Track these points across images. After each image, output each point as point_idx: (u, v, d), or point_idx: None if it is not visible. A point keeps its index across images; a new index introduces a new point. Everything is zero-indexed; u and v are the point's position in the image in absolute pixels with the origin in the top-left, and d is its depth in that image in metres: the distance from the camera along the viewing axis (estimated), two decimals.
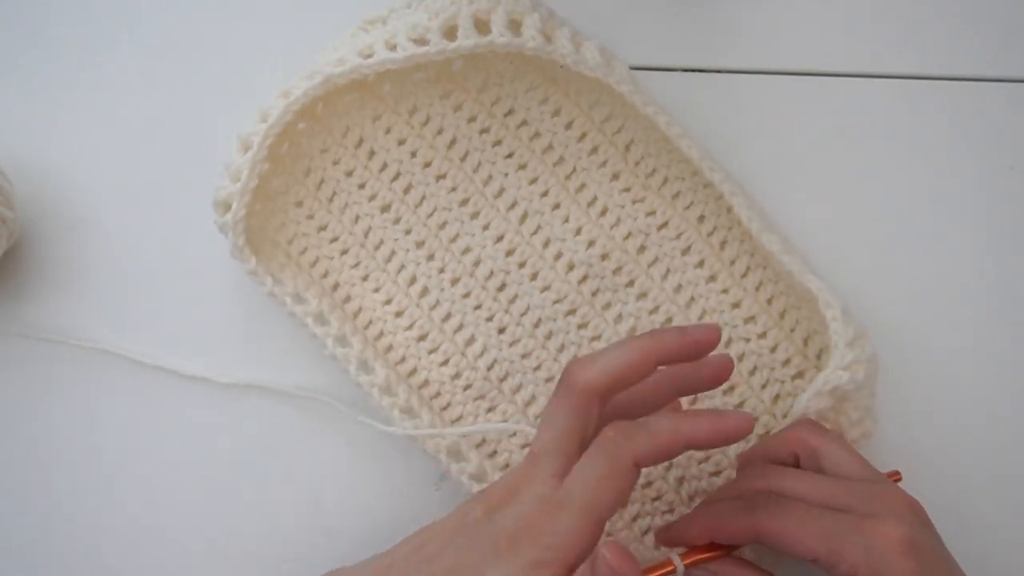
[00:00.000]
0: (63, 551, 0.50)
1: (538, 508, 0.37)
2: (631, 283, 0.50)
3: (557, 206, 0.50)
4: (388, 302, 0.50)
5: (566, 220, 0.50)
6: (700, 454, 0.48)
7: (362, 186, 0.50)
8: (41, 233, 0.51)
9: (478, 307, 0.50)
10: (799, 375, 0.49)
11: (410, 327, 0.50)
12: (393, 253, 0.50)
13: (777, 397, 0.49)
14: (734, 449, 0.48)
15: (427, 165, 0.50)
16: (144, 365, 0.50)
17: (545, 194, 0.50)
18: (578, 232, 0.50)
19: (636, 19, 0.52)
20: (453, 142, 0.50)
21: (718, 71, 0.52)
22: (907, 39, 0.52)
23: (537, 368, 0.49)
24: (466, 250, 0.50)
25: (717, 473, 0.48)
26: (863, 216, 0.51)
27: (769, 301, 0.49)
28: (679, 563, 0.41)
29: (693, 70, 0.52)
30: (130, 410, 0.50)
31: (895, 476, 0.45)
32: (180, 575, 0.49)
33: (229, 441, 0.50)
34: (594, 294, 0.50)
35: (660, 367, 0.40)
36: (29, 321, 0.51)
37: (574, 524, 0.36)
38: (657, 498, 0.48)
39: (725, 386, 0.49)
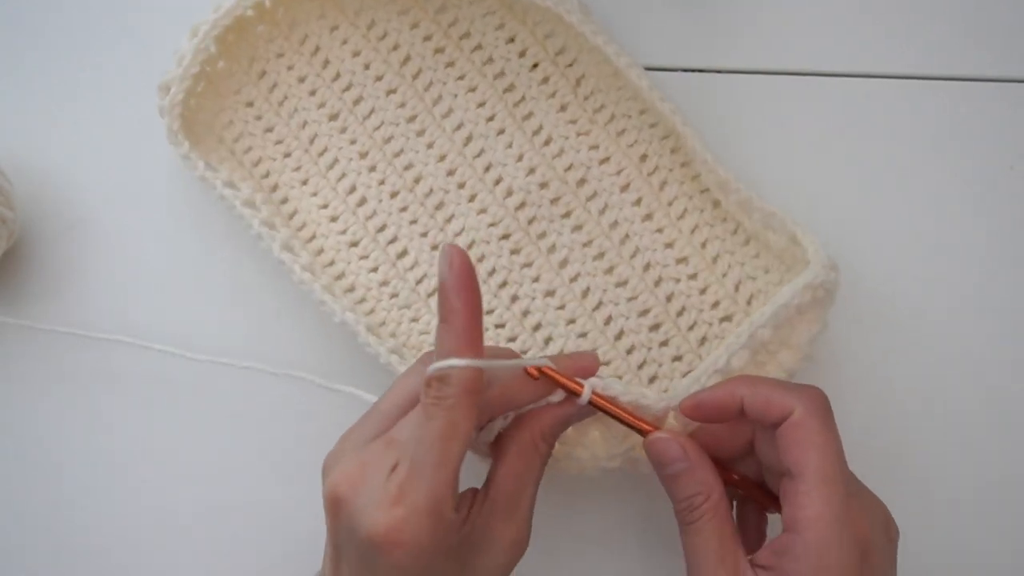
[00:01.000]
0: (66, 548, 0.50)
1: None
2: (567, 214, 0.50)
3: (502, 131, 0.50)
4: (324, 206, 0.50)
5: (509, 146, 0.50)
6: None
7: (313, 93, 0.51)
8: (41, 233, 0.51)
9: (414, 222, 0.50)
10: (727, 318, 0.48)
11: (343, 232, 0.50)
12: (336, 161, 0.50)
13: (704, 339, 0.48)
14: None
15: (379, 79, 0.51)
16: (151, 350, 0.49)
17: (491, 119, 0.50)
18: (520, 159, 0.50)
19: (637, 20, 0.52)
20: (407, 59, 0.51)
21: (718, 71, 0.52)
22: (907, 39, 0.51)
23: None
24: (408, 166, 0.50)
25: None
26: (863, 216, 0.50)
27: (703, 244, 0.49)
28: (588, 390, 0.41)
29: (693, 70, 0.52)
30: (134, 401, 0.51)
31: None
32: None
33: (236, 431, 0.50)
34: (530, 222, 0.50)
35: None
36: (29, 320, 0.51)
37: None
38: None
39: (651, 322, 0.49)
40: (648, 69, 0.50)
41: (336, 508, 0.38)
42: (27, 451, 0.50)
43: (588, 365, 0.42)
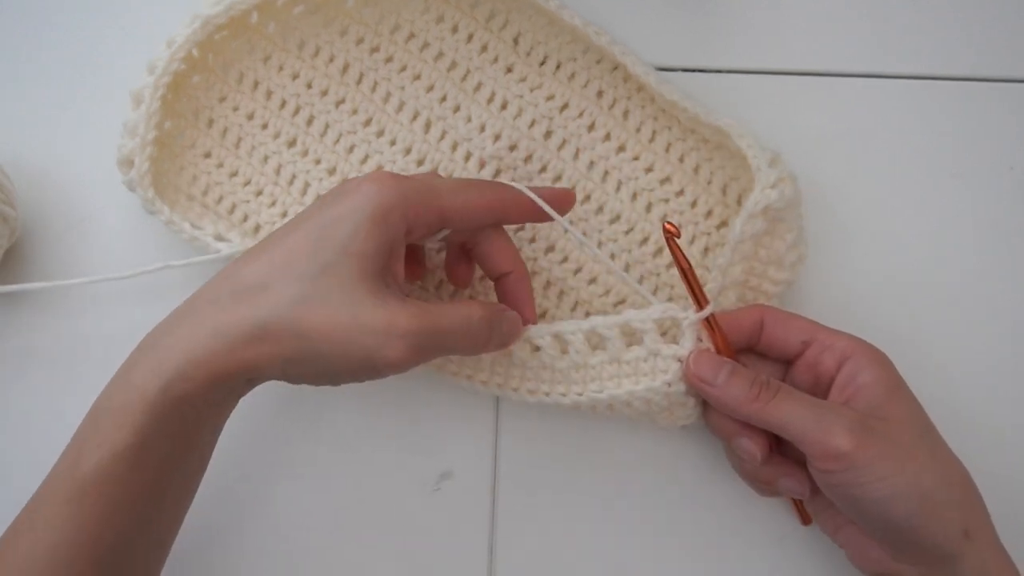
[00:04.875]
0: None
1: None
2: (544, 168, 0.50)
3: (458, 108, 0.51)
4: None
5: (469, 120, 0.50)
6: None
7: (265, 126, 0.51)
8: (42, 232, 0.51)
9: None
10: (723, 224, 0.49)
11: None
12: (307, 185, 0.51)
13: (706, 249, 0.49)
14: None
15: (324, 94, 0.51)
16: None
17: (444, 99, 0.51)
18: (482, 129, 0.50)
19: (637, 20, 0.52)
20: (346, 67, 0.51)
21: (718, 71, 0.52)
22: (907, 39, 0.52)
23: None
24: (378, 168, 0.51)
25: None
26: (863, 216, 0.50)
27: (681, 159, 0.50)
28: (712, 306, 0.43)
29: (693, 70, 0.52)
30: None
31: None
32: None
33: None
34: None
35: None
36: (30, 317, 0.51)
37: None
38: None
39: (653, 248, 0.49)
40: None
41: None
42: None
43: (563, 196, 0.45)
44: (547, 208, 0.43)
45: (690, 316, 0.43)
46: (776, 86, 0.52)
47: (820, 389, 0.43)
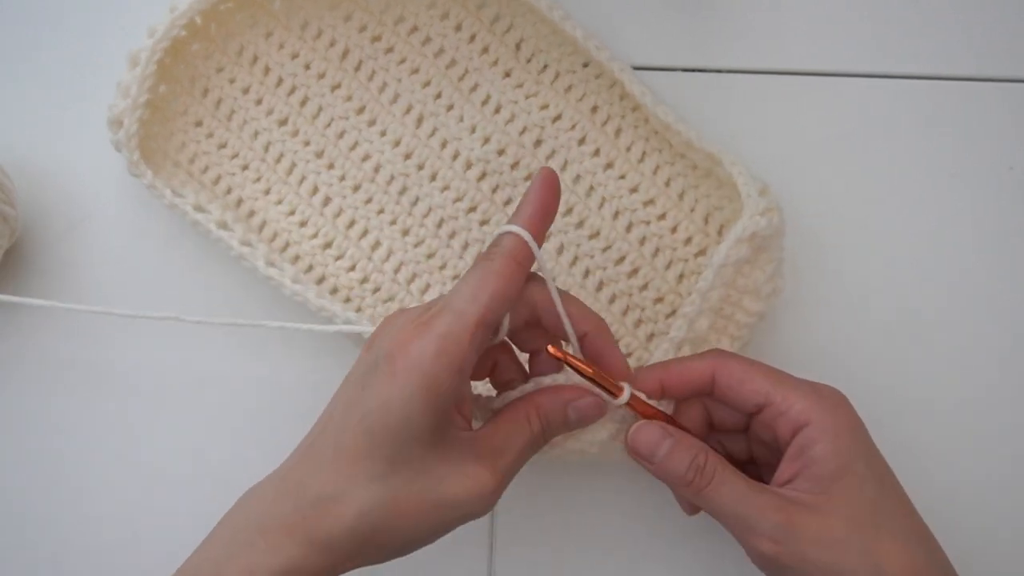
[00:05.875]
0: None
1: (413, 321, 0.38)
2: (529, 176, 0.50)
3: (451, 107, 0.51)
4: (291, 213, 0.50)
5: (461, 119, 0.50)
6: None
7: (259, 102, 0.51)
8: (42, 232, 0.51)
9: (381, 212, 0.50)
10: (701, 252, 0.49)
11: (315, 236, 0.50)
12: (294, 165, 0.51)
13: (681, 276, 0.49)
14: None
15: (321, 77, 0.51)
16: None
17: (439, 96, 0.51)
18: (473, 130, 0.50)
19: (636, 19, 0.52)
20: (346, 53, 0.51)
21: (718, 71, 0.52)
22: (907, 39, 0.51)
23: (443, 267, 0.50)
24: (366, 157, 0.51)
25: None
26: (863, 216, 0.50)
27: (667, 183, 0.50)
28: (628, 391, 0.41)
29: (693, 70, 0.52)
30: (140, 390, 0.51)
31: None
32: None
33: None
34: (494, 190, 0.50)
35: None
36: (30, 318, 0.51)
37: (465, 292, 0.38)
38: None
39: (628, 268, 0.49)
40: (647, 69, 0.51)
41: (369, 342, 0.39)
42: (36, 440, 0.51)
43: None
44: (548, 277, 0.41)
45: (611, 402, 0.41)
46: (776, 86, 0.52)
47: (779, 446, 0.42)
